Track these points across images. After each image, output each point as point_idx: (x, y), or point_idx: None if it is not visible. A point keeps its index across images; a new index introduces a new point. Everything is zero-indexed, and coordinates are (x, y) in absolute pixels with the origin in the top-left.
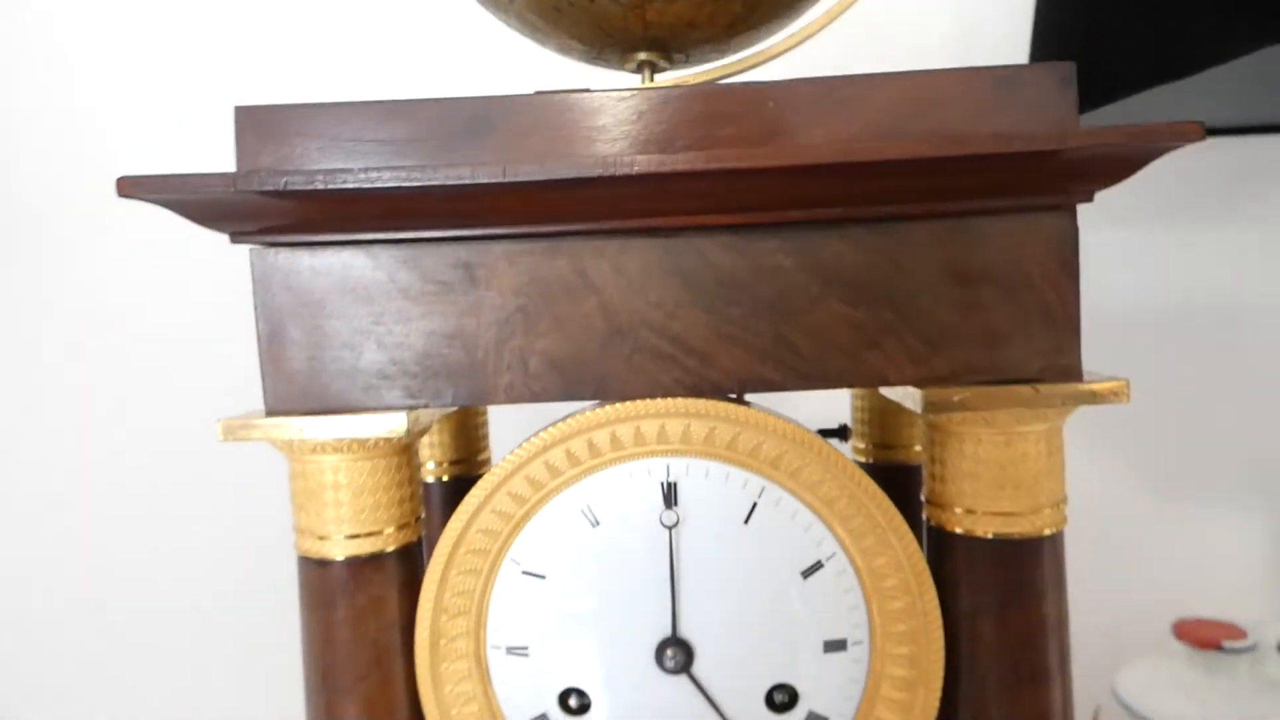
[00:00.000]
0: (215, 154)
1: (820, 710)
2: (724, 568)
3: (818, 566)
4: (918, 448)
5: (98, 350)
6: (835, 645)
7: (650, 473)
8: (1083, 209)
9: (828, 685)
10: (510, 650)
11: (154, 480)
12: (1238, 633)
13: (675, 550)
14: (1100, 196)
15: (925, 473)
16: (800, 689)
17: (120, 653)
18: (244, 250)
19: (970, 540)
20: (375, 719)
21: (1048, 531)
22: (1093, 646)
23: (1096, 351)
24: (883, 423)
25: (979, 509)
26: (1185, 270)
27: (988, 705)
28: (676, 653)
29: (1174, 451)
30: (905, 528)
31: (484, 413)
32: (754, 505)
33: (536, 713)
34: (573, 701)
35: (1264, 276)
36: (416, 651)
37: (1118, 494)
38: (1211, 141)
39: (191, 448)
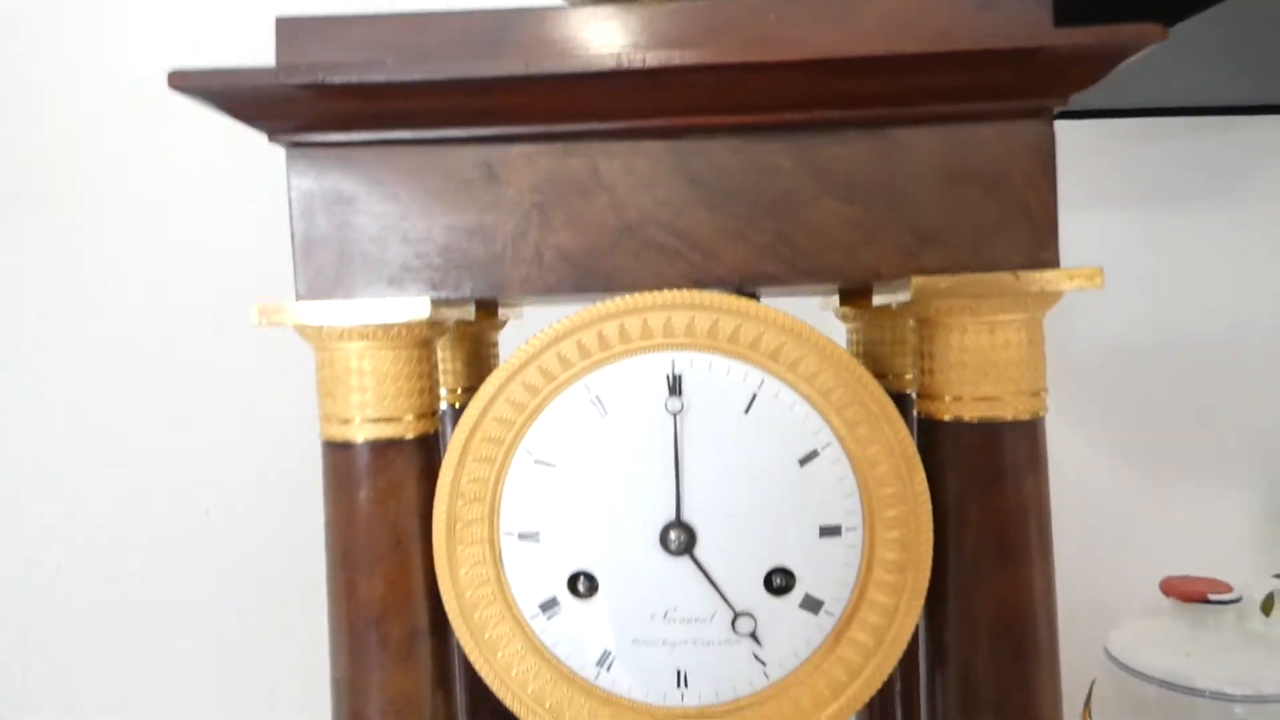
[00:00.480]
0: None
1: (816, 593)
2: (725, 456)
3: (814, 455)
4: (909, 376)
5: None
6: (830, 530)
7: (656, 366)
8: (1071, 192)
9: (824, 569)
10: (522, 536)
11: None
12: (1223, 587)
13: (679, 438)
14: (1087, 179)
15: (916, 370)
16: (797, 572)
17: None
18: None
19: (958, 425)
20: (395, 597)
21: (1028, 416)
22: (1084, 621)
23: (1085, 330)
24: (876, 352)
25: (965, 395)
26: (1173, 249)
27: (974, 583)
28: (680, 535)
29: (1162, 430)
30: (897, 415)
31: (495, 344)
32: (754, 396)
33: (547, 596)
34: (581, 585)
35: (1249, 254)
36: (434, 534)
37: (1107, 472)
38: (1198, 122)
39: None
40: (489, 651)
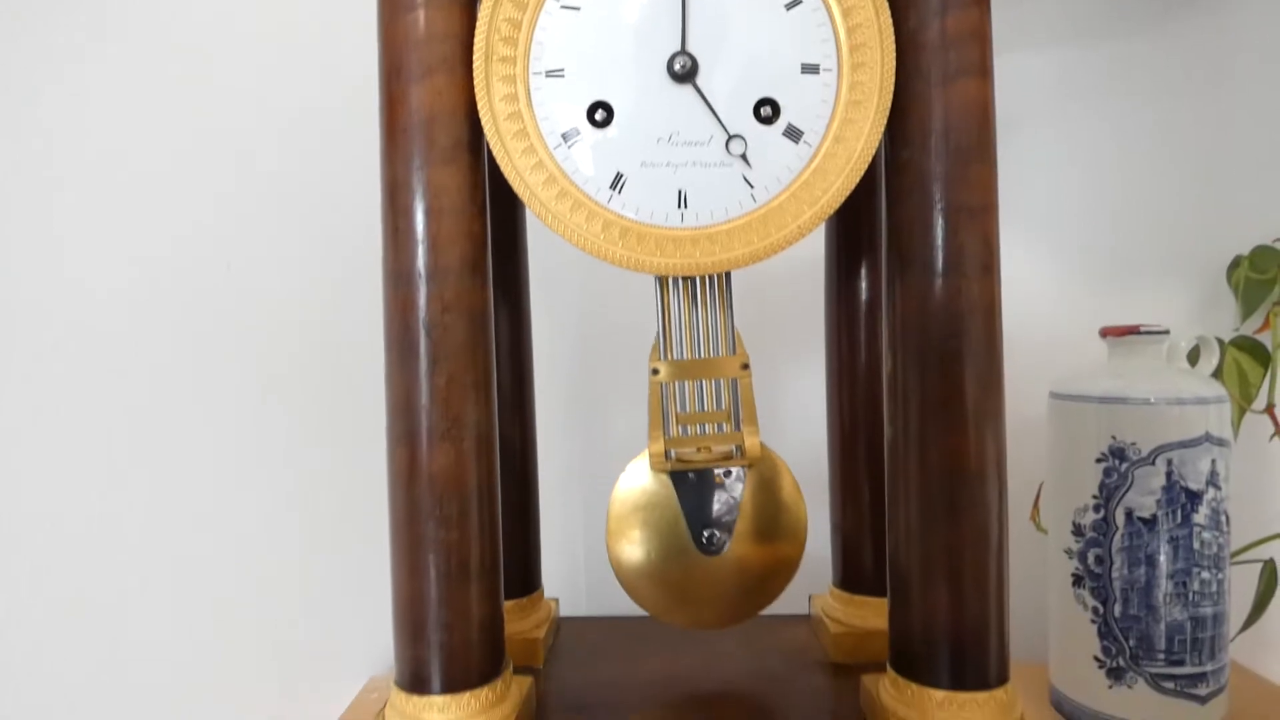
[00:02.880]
0: None
1: (797, 123)
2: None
3: (798, 1)
4: None
5: None
6: (810, 69)
7: None
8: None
9: (803, 102)
10: (549, 73)
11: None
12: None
13: None
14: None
15: None
16: (781, 102)
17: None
18: None
19: None
20: (442, 107)
21: None
22: (1031, 436)
23: (1041, 156)
24: None
25: None
26: (1116, 75)
27: (927, 97)
28: (684, 60)
29: (1103, 232)
30: None
31: None
32: None
33: (568, 126)
34: (598, 114)
35: (1196, 63)
36: (474, 62)
37: (1052, 270)
38: None
39: None
40: (521, 171)
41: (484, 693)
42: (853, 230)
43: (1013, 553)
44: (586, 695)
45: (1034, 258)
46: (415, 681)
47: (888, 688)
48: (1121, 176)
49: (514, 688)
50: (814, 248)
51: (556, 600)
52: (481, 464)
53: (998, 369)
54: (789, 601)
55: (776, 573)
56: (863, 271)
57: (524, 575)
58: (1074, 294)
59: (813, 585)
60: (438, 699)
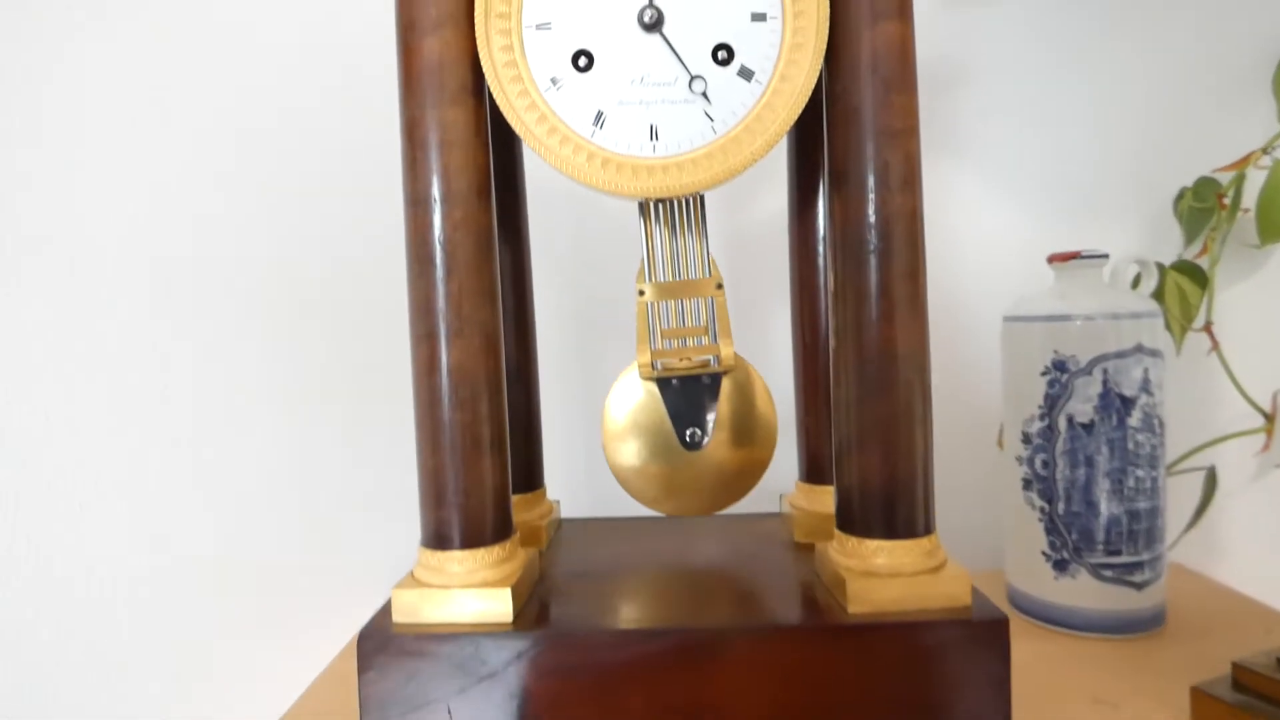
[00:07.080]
0: None
1: (749, 64)
2: None
3: None
4: None
5: None
6: (759, 17)
7: None
8: None
9: (754, 46)
10: (538, 26)
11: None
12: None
13: None
14: None
15: None
16: (736, 48)
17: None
18: None
19: None
20: (449, 56)
21: None
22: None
23: None
24: None
25: None
26: None
27: (858, 35)
28: (652, 12)
29: (1061, 178)
30: None
31: None
32: None
33: (556, 72)
34: (581, 61)
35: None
36: (475, 18)
37: (1010, 217)
38: None
39: None
40: (518, 111)
41: (496, 550)
42: (810, 162)
43: (981, 476)
44: (584, 566)
45: (993, 201)
46: (438, 539)
47: (835, 546)
48: (1076, 121)
49: (521, 552)
50: (780, 201)
51: (558, 501)
52: (490, 359)
53: (920, 266)
54: (765, 504)
55: (750, 466)
56: (819, 199)
57: (528, 474)
58: (1030, 234)
59: (787, 488)
60: (457, 553)
